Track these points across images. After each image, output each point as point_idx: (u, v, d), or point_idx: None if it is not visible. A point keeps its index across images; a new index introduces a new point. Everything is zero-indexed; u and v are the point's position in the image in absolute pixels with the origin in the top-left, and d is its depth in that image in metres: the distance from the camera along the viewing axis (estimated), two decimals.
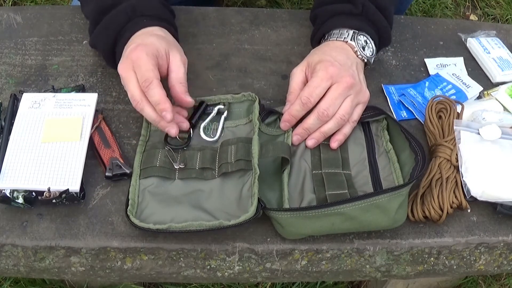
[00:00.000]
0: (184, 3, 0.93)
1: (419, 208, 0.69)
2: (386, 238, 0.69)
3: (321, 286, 1.21)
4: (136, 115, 0.76)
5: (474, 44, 0.91)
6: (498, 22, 1.76)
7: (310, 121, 0.72)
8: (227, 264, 0.68)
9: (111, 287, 1.10)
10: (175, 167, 0.70)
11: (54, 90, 0.78)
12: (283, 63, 0.87)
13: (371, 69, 0.86)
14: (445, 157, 0.72)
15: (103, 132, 0.73)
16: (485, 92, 0.84)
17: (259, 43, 0.90)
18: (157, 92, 0.66)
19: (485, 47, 0.90)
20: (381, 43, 0.83)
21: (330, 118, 0.71)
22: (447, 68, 0.88)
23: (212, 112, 0.76)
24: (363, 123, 0.78)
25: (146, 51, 0.68)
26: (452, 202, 0.69)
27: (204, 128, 0.75)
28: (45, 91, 0.77)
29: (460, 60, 0.90)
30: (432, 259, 0.71)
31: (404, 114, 0.81)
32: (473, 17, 1.78)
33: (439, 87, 0.84)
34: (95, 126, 0.73)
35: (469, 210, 0.70)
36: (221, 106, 0.77)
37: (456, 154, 0.72)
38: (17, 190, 0.65)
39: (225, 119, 0.76)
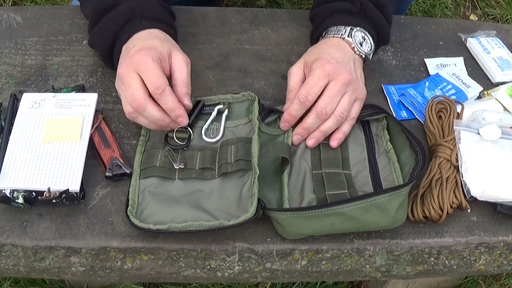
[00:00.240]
0: (184, 3, 0.93)
1: (419, 208, 0.69)
2: (386, 238, 0.69)
3: (321, 286, 1.21)
4: None
5: (474, 44, 0.91)
6: (498, 22, 1.76)
7: (310, 120, 0.72)
8: (227, 264, 0.68)
9: (111, 287, 1.10)
10: (175, 167, 0.70)
11: (54, 90, 0.78)
12: (283, 63, 0.87)
13: (371, 69, 0.86)
14: (445, 157, 0.72)
15: (103, 132, 0.73)
16: (485, 92, 0.84)
17: (259, 43, 0.90)
18: (171, 99, 0.67)
19: (485, 47, 0.90)
20: (379, 41, 0.83)
21: (329, 116, 0.72)
22: (447, 68, 0.88)
23: (212, 112, 0.76)
24: (363, 123, 0.78)
25: (151, 56, 0.67)
26: (452, 202, 0.69)
27: (205, 129, 0.75)
28: (45, 91, 0.77)
29: (460, 60, 0.90)
30: (432, 259, 0.71)
31: (404, 114, 0.81)
32: (473, 17, 1.78)
33: (439, 87, 0.84)
34: (95, 126, 0.73)
35: (469, 210, 0.71)
36: (221, 106, 0.77)
37: (456, 154, 0.72)
38: (17, 190, 0.65)
39: (226, 118, 0.76)
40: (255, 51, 0.88)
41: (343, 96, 0.72)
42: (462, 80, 0.85)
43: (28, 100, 0.74)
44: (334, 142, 0.74)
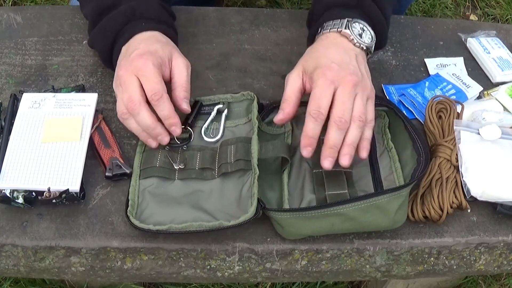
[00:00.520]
0: (184, 3, 0.93)
1: (419, 208, 0.69)
2: (386, 238, 0.68)
3: (321, 286, 1.21)
4: None
5: (474, 44, 0.91)
6: (498, 22, 1.76)
7: (332, 135, 0.65)
8: (227, 264, 0.68)
9: (111, 287, 1.10)
10: (175, 167, 0.70)
11: (54, 90, 0.78)
12: (283, 63, 0.87)
13: (371, 69, 0.85)
14: (445, 157, 0.72)
15: (103, 132, 0.73)
16: (485, 92, 0.84)
17: (259, 43, 0.90)
18: (167, 106, 0.67)
19: (485, 47, 0.90)
20: (376, 43, 0.77)
21: (349, 123, 0.66)
22: (447, 68, 0.88)
23: (211, 111, 0.76)
24: None
25: (152, 61, 0.67)
26: (452, 202, 0.69)
27: (205, 129, 0.75)
28: (45, 91, 0.77)
29: (460, 60, 0.90)
30: (432, 259, 0.71)
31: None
32: (473, 17, 1.78)
33: (439, 87, 0.84)
34: (95, 126, 0.73)
35: (469, 210, 0.71)
36: (220, 106, 0.77)
37: (456, 154, 0.72)
38: (17, 190, 0.65)
39: (226, 118, 0.76)
40: (255, 51, 0.88)
41: (354, 99, 0.66)
42: (462, 80, 0.85)
43: (28, 100, 0.74)
44: (363, 153, 0.68)
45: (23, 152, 0.69)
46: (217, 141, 0.74)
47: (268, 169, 0.72)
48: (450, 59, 0.90)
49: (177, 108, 0.70)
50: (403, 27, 0.94)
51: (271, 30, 0.92)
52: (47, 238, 0.65)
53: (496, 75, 0.87)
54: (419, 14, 1.71)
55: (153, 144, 0.69)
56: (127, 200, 0.67)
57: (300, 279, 0.74)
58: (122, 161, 0.70)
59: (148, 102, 0.67)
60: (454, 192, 0.70)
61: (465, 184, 0.70)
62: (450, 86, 0.84)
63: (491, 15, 1.78)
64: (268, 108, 0.77)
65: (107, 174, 0.70)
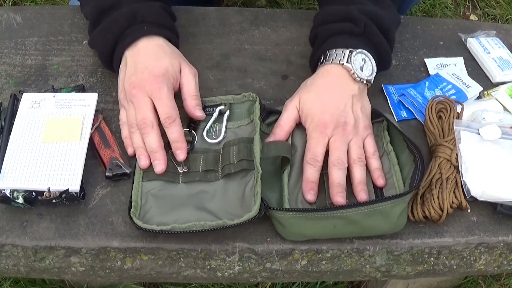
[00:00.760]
0: (184, 3, 0.93)
1: (419, 208, 0.69)
2: (386, 238, 0.69)
3: (321, 286, 1.21)
4: None
5: (474, 44, 0.91)
6: (498, 22, 1.76)
7: (335, 175, 0.69)
8: (227, 264, 0.68)
9: (111, 287, 1.10)
10: (179, 171, 0.70)
11: (54, 90, 0.78)
12: (283, 63, 0.87)
13: None
14: (445, 157, 0.72)
15: (103, 132, 0.73)
16: (485, 92, 0.84)
17: (259, 43, 0.90)
18: (178, 130, 0.70)
19: (485, 47, 0.90)
20: (379, 67, 0.79)
21: (348, 162, 0.70)
22: (447, 68, 0.88)
23: (213, 113, 0.76)
24: None
25: (166, 84, 0.71)
26: (452, 202, 0.69)
27: (207, 130, 0.75)
28: (45, 91, 0.77)
29: (460, 60, 0.90)
30: (432, 259, 0.71)
31: (404, 114, 0.81)
32: (473, 17, 1.78)
33: (439, 87, 0.84)
34: (95, 126, 0.73)
35: (469, 210, 0.70)
36: (222, 107, 0.77)
37: (456, 154, 0.72)
38: (17, 190, 0.65)
39: (228, 119, 0.76)
40: (255, 51, 0.88)
41: (349, 143, 0.71)
42: (462, 80, 0.85)
43: (28, 100, 0.74)
44: (380, 182, 0.71)
45: (23, 152, 0.69)
46: (220, 142, 0.74)
47: (268, 170, 0.71)
48: (450, 59, 0.90)
49: (192, 117, 0.74)
50: (403, 27, 0.94)
51: (271, 30, 0.92)
52: (47, 238, 0.65)
53: (496, 75, 0.87)
54: (419, 14, 1.71)
55: (145, 163, 0.70)
56: (130, 202, 0.67)
57: (300, 279, 0.74)
58: (122, 161, 0.70)
59: (159, 123, 0.70)
60: (454, 192, 0.70)
61: (465, 184, 0.70)
62: (450, 86, 0.84)
63: (491, 15, 1.78)
64: (268, 110, 0.77)
65: (107, 174, 0.70)
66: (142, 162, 0.70)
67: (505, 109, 0.81)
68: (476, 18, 1.77)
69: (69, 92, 0.77)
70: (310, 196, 0.69)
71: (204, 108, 0.77)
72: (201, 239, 0.66)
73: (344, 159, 0.70)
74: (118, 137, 0.74)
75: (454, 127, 0.75)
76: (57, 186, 0.66)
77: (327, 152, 0.71)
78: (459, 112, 0.77)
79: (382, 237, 0.68)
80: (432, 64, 0.89)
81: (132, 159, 0.72)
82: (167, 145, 0.71)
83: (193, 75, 0.75)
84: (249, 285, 1.19)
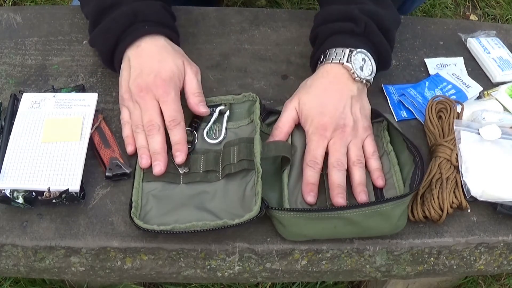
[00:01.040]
0: (184, 3, 0.93)
1: (419, 208, 0.69)
2: (386, 238, 0.69)
3: (321, 286, 1.21)
4: None
5: (474, 44, 0.91)
6: (498, 22, 1.76)
7: (334, 177, 0.69)
8: (227, 264, 0.68)
9: (111, 287, 1.10)
10: (180, 171, 0.70)
11: (54, 90, 0.78)
12: (283, 63, 0.87)
13: None
14: (445, 157, 0.72)
15: (103, 132, 0.73)
16: (485, 92, 0.84)
17: (259, 43, 0.90)
18: (181, 133, 0.71)
19: (485, 47, 0.90)
20: (380, 67, 0.79)
21: (347, 164, 0.71)
22: (447, 68, 0.88)
23: (213, 113, 0.76)
24: None
25: (174, 88, 0.72)
26: (452, 202, 0.69)
27: (207, 131, 0.75)
28: (45, 91, 0.77)
29: (460, 60, 0.90)
30: (432, 259, 0.71)
31: (404, 114, 0.81)
32: (473, 17, 1.78)
33: (439, 87, 0.84)
34: (95, 126, 0.73)
35: (469, 210, 0.70)
36: (222, 107, 0.77)
37: (456, 154, 0.72)
38: (17, 190, 0.65)
39: (228, 119, 0.76)
40: (255, 51, 0.88)
41: (349, 145, 0.71)
42: (462, 80, 0.85)
43: (28, 100, 0.74)
44: (379, 182, 0.71)
45: (23, 152, 0.69)
46: (220, 142, 0.74)
47: (268, 170, 0.71)
48: (450, 59, 0.90)
49: (197, 114, 0.75)
50: (403, 27, 0.94)
51: (271, 30, 0.92)
52: (47, 238, 0.65)
53: (496, 75, 0.87)
54: (419, 14, 1.71)
55: (146, 162, 0.70)
56: (131, 202, 0.67)
57: (300, 279, 0.74)
58: (122, 161, 0.70)
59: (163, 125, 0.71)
60: (454, 192, 0.70)
61: (465, 184, 0.70)
62: (450, 86, 0.84)
63: (491, 15, 1.78)
64: (268, 110, 0.77)
65: (107, 174, 0.70)
66: (144, 161, 0.70)
67: (505, 109, 0.81)
68: (476, 18, 1.77)
69: (69, 92, 0.77)
70: (310, 198, 0.69)
71: None
72: (201, 239, 0.66)
73: (344, 161, 0.70)
74: (118, 137, 0.74)
75: (454, 127, 0.75)
76: (57, 186, 0.66)
77: (326, 153, 0.71)
78: (459, 112, 0.77)
79: (382, 237, 0.68)
80: (432, 64, 0.89)
81: (132, 159, 0.72)
82: (169, 147, 0.71)
83: (195, 73, 0.76)
84: (249, 285, 1.19)
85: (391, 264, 0.71)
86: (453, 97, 0.81)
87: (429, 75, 0.87)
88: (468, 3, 1.80)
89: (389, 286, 1.07)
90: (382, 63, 0.80)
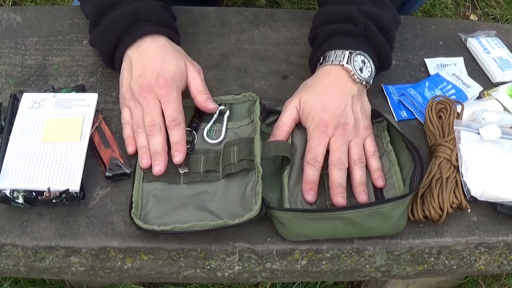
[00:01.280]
0: (184, 3, 0.93)
1: (419, 208, 0.69)
2: (386, 238, 0.69)
3: (321, 286, 1.21)
4: None
5: (474, 44, 0.91)
6: (498, 22, 1.76)
7: (335, 176, 0.69)
8: (227, 264, 0.68)
9: (111, 287, 1.10)
10: (180, 171, 0.70)
11: (54, 90, 0.78)
12: (283, 63, 0.87)
13: None
14: (445, 157, 0.72)
15: (103, 132, 0.73)
16: (485, 92, 0.84)
17: (259, 43, 0.90)
18: (181, 133, 0.71)
19: (485, 47, 0.90)
20: (380, 67, 0.79)
21: (348, 163, 0.70)
22: (447, 68, 0.88)
23: (214, 113, 0.76)
24: None
25: (176, 89, 0.72)
26: (452, 202, 0.69)
27: (207, 131, 0.75)
28: (45, 91, 0.77)
29: (460, 60, 0.90)
30: (432, 259, 0.71)
31: (404, 114, 0.81)
32: (473, 17, 1.78)
33: (439, 87, 0.84)
34: (95, 126, 0.73)
35: (469, 210, 0.71)
36: (222, 107, 0.77)
37: (456, 154, 0.72)
38: (17, 190, 0.65)
39: (228, 119, 0.76)
40: (255, 51, 0.88)
41: (350, 144, 0.71)
42: (462, 80, 0.85)
43: (28, 100, 0.74)
44: (379, 182, 0.71)
45: (23, 152, 0.69)
46: (220, 142, 0.74)
47: (268, 170, 0.71)
48: (450, 59, 0.90)
49: (206, 111, 0.75)
50: (403, 27, 0.94)
51: (271, 30, 0.92)
52: (47, 238, 0.65)
53: (496, 75, 0.87)
54: (419, 14, 1.71)
55: (146, 162, 0.70)
56: (131, 202, 0.67)
57: (300, 279, 0.74)
58: (122, 161, 0.70)
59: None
60: (454, 192, 0.70)
61: (465, 184, 0.70)
62: (450, 86, 0.84)
63: (491, 15, 1.78)
64: (268, 110, 0.77)
65: (107, 174, 0.70)
66: (144, 161, 0.70)
67: (505, 109, 0.81)
68: (476, 18, 1.77)
69: (69, 92, 0.77)
70: (310, 196, 0.69)
71: None
72: (201, 239, 0.66)
73: (345, 159, 0.70)
74: (118, 137, 0.74)
75: (454, 127, 0.75)
76: (57, 186, 0.66)
77: (327, 153, 0.71)
78: (459, 112, 0.77)
79: (382, 237, 0.68)
80: (432, 64, 0.89)
81: (132, 159, 0.72)
82: (169, 147, 0.71)
83: (198, 72, 0.76)
84: (249, 285, 1.19)
85: (391, 264, 0.71)
86: (453, 97, 0.81)
87: (429, 75, 0.87)
88: (468, 3, 1.80)
89: (389, 286, 1.08)
90: (382, 64, 0.80)
